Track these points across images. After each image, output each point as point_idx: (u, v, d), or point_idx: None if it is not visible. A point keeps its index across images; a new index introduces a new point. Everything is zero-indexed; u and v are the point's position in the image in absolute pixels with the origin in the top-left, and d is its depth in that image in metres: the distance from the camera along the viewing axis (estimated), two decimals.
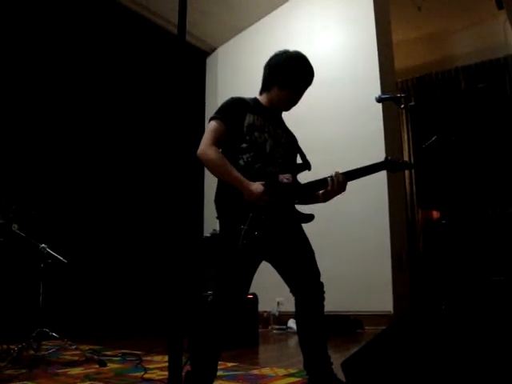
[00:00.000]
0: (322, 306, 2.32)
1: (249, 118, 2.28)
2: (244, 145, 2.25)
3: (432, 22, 7.40)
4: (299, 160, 2.50)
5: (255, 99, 2.44)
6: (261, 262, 2.32)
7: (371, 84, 5.72)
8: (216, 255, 2.49)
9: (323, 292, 2.35)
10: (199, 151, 2.19)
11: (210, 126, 2.25)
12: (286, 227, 2.28)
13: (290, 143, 2.45)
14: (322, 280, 2.37)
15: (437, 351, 2.16)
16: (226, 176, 2.18)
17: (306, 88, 2.43)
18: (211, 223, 5.64)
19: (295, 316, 2.36)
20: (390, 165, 2.42)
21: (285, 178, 2.25)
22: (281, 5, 6.77)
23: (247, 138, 2.25)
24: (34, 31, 5.27)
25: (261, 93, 2.49)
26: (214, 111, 2.31)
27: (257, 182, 2.13)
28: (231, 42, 7.29)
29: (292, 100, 2.39)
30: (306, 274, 2.32)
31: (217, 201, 2.27)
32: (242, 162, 2.23)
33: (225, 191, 2.22)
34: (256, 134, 2.27)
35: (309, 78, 2.43)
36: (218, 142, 2.21)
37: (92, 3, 5.80)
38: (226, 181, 2.19)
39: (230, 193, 2.17)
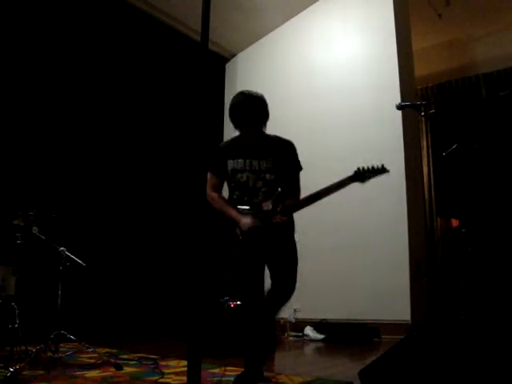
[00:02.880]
0: (287, 292, 2.80)
1: (230, 164, 2.86)
2: (232, 184, 2.89)
3: (453, 29, 7.34)
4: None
5: (237, 137, 2.94)
6: (263, 266, 2.85)
7: (391, 91, 5.69)
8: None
9: (292, 289, 2.80)
10: (207, 197, 2.80)
11: (208, 176, 2.90)
12: (270, 242, 2.76)
13: (274, 165, 2.84)
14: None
15: (455, 363, 2.13)
16: (223, 212, 2.84)
17: (262, 121, 2.86)
18: None
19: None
20: (359, 176, 2.65)
21: (265, 205, 2.78)
22: (300, 12, 6.77)
23: (233, 179, 2.87)
24: (58, 36, 5.35)
25: None
26: None
27: (245, 217, 2.74)
28: (251, 48, 7.31)
29: (254, 133, 2.86)
30: (281, 279, 2.81)
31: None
32: (235, 196, 2.90)
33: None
34: (238, 175, 2.84)
35: (256, 116, 2.83)
36: (214, 187, 2.91)
37: (114, 10, 5.88)
38: (225, 213, 2.82)
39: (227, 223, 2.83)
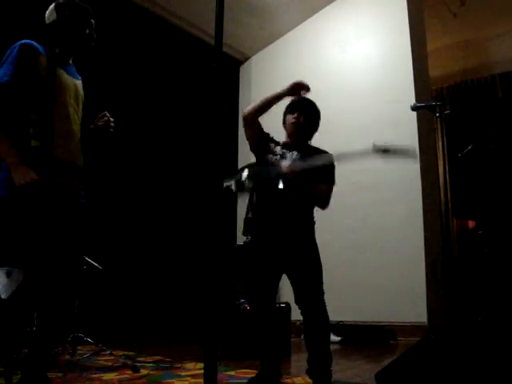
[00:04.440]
0: (323, 320, 2.62)
1: (270, 145, 2.87)
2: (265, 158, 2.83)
3: (468, 29, 7.27)
4: None
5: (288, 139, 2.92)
6: (278, 275, 2.76)
7: (405, 92, 5.65)
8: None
9: (323, 310, 2.62)
10: (243, 114, 2.85)
11: None
12: (292, 242, 2.66)
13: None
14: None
15: (473, 366, 2.11)
16: (265, 100, 2.85)
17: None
18: None
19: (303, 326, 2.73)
20: (382, 149, 2.69)
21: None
22: (314, 14, 6.77)
23: (263, 156, 2.82)
24: None
25: None
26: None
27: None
28: (265, 50, 7.32)
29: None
30: (308, 294, 2.63)
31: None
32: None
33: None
34: (269, 156, 2.80)
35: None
36: None
37: (128, 13, 5.93)
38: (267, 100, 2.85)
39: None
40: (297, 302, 2.66)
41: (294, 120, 2.83)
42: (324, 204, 2.75)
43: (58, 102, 2.29)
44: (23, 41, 2.25)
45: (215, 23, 1.36)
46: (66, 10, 2.36)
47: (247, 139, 2.92)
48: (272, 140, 2.89)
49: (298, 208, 2.69)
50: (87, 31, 2.45)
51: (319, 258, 2.71)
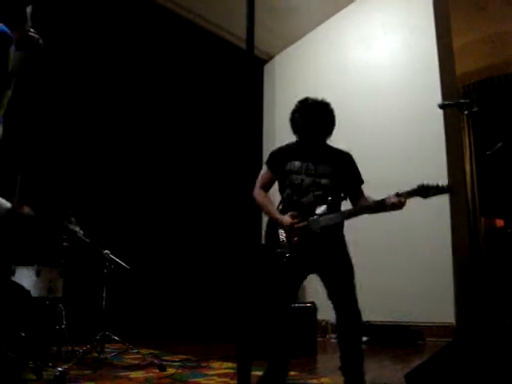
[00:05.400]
0: (355, 317, 2.62)
1: (288, 165, 2.82)
2: (286, 183, 2.83)
3: (495, 24, 7.13)
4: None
5: (297, 142, 2.90)
6: (305, 274, 2.79)
7: (432, 89, 5.58)
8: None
9: (356, 305, 2.64)
10: (253, 192, 2.83)
11: (262, 171, 2.92)
12: (321, 247, 2.68)
13: (333, 172, 2.80)
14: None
15: (504, 368, 2.07)
16: (266, 212, 2.84)
17: (322, 132, 2.82)
18: None
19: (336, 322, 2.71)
20: (422, 191, 2.66)
21: (319, 209, 2.71)
22: (337, 12, 6.73)
23: (287, 180, 2.82)
24: (110, 43, 5.52)
25: None
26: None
27: (286, 215, 2.72)
28: (289, 49, 7.32)
29: (314, 140, 2.82)
30: (340, 290, 2.65)
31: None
32: (284, 195, 2.85)
33: (269, 223, 2.86)
34: (293, 176, 2.79)
35: (318, 126, 2.78)
36: (264, 184, 2.88)
37: (157, 17, 6.02)
38: (267, 214, 2.85)
39: (272, 224, 2.82)
40: (330, 297, 2.68)
41: (313, 140, 2.84)
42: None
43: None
44: (3, 27, 2.11)
45: (247, 27, 1.36)
46: None
47: None
48: (287, 155, 2.88)
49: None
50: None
51: (349, 256, 2.75)
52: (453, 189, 2.66)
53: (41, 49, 2.29)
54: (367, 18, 6.47)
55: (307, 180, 2.78)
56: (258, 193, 2.85)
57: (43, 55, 2.32)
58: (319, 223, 2.67)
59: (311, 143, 2.83)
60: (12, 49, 2.12)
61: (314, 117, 2.76)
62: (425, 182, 2.61)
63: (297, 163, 2.82)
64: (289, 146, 2.94)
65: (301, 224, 2.67)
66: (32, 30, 2.30)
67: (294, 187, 2.79)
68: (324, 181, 2.77)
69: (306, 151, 2.84)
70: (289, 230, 2.70)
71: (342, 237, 2.82)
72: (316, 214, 2.69)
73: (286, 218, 2.70)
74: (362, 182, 2.87)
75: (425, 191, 2.63)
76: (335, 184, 2.78)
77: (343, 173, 2.82)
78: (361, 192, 2.85)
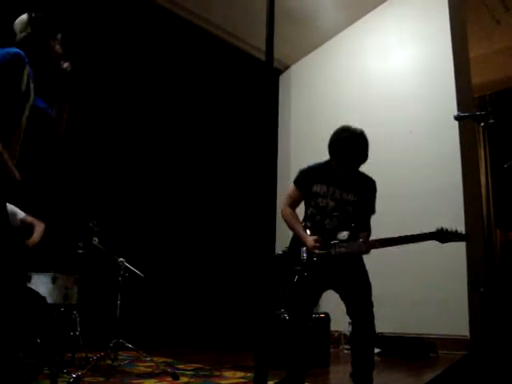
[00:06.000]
0: (370, 331, 2.74)
1: (315, 188, 2.93)
2: (312, 203, 2.96)
3: (511, 36, 7.12)
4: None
5: (328, 164, 2.95)
6: (322, 291, 2.91)
7: (447, 100, 5.56)
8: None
9: (372, 321, 2.74)
10: (281, 209, 3.03)
11: (290, 188, 3.05)
12: (339, 267, 2.81)
13: (358, 200, 2.91)
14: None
15: None
16: (292, 230, 2.96)
17: (359, 162, 2.87)
18: (283, 241, 5.66)
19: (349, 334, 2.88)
20: (441, 236, 2.83)
21: (341, 235, 2.82)
22: (354, 22, 6.75)
23: (312, 201, 2.95)
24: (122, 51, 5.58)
25: None
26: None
27: (312, 237, 2.82)
28: (304, 59, 7.34)
29: (348, 167, 2.87)
30: (358, 306, 2.76)
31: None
32: (308, 212, 2.98)
33: (293, 239, 3.01)
34: (319, 199, 2.92)
35: (357, 156, 2.83)
36: (292, 203, 3.02)
37: (174, 27, 6.09)
38: (293, 232, 2.97)
39: (296, 241, 2.96)
40: (348, 313, 2.80)
41: (344, 169, 2.90)
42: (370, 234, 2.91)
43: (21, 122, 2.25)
44: (16, 49, 2.15)
45: (266, 38, 1.38)
46: (42, 25, 2.29)
47: None
48: (315, 176, 2.97)
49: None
50: (57, 47, 2.36)
51: (367, 272, 2.87)
52: (470, 236, 2.82)
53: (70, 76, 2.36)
54: (384, 29, 6.48)
55: (331, 204, 2.91)
56: (286, 210, 3.00)
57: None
58: (339, 249, 2.79)
59: (343, 171, 2.90)
60: (27, 71, 2.17)
61: (353, 150, 2.79)
62: (444, 227, 2.77)
63: (323, 186, 2.93)
64: (319, 166, 3.01)
65: (322, 252, 2.79)
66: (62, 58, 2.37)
67: (319, 209, 2.92)
68: (348, 208, 2.89)
69: (334, 175, 2.92)
70: (311, 249, 2.81)
71: (361, 259, 2.92)
72: (338, 239, 2.81)
73: (311, 241, 2.81)
74: (374, 211, 2.97)
75: (443, 236, 2.83)
76: (358, 212, 2.90)
77: (366, 201, 2.93)
78: (369, 220, 2.96)
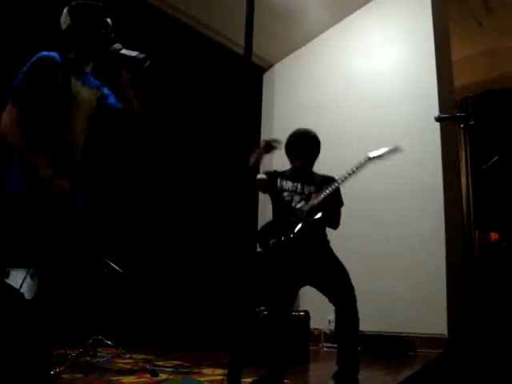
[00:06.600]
0: (354, 314, 2.90)
1: (279, 182, 3.18)
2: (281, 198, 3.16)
3: (494, 38, 7.19)
4: None
5: (292, 167, 3.25)
6: (298, 286, 3.04)
7: (429, 101, 5.60)
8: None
9: (355, 303, 2.92)
10: None
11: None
12: (309, 256, 2.97)
13: (316, 191, 3.11)
14: (357, 295, 2.97)
15: (493, 381, 2.09)
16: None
17: (312, 156, 3.23)
18: None
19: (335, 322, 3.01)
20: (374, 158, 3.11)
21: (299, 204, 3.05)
22: (339, 22, 6.76)
23: (279, 197, 3.16)
24: None
25: None
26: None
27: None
28: (288, 58, 7.32)
29: (304, 165, 3.19)
30: (340, 291, 2.91)
31: None
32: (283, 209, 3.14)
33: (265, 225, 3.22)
34: (285, 194, 3.13)
35: (307, 152, 3.19)
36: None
37: (155, 22, 6.01)
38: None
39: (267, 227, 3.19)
40: (331, 300, 2.93)
41: (302, 164, 3.20)
42: (337, 225, 3.14)
43: (71, 117, 2.26)
44: (42, 54, 2.20)
45: (245, 35, 1.38)
46: (80, 13, 2.28)
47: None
48: (278, 175, 3.24)
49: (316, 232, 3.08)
50: (103, 32, 2.34)
51: (339, 259, 3.02)
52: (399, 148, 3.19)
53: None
54: (368, 29, 6.50)
55: (296, 198, 3.11)
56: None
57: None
58: (305, 207, 2.98)
59: (303, 166, 3.19)
60: (60, 72, 2.20)
61: (303, 148, 3.17)
62: (371, 155, 3.13)
63: (288, 182, 3.18)
64: (282, 171, 3.30)
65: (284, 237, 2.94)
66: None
67: (286, 206, 3.11)
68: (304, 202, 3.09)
69: (295, 173, 3.22)
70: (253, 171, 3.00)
71: (327, 242, 3.12)
72: (297, 208, 3.04)
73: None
74: (341, 203, 3.19)
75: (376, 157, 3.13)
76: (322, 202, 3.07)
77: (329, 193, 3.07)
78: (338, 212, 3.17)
